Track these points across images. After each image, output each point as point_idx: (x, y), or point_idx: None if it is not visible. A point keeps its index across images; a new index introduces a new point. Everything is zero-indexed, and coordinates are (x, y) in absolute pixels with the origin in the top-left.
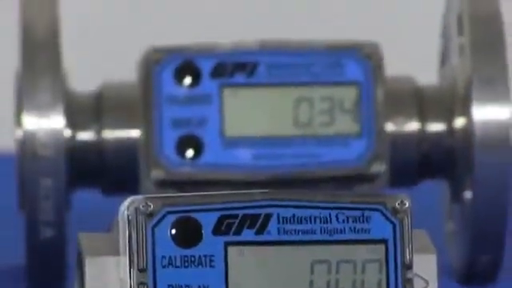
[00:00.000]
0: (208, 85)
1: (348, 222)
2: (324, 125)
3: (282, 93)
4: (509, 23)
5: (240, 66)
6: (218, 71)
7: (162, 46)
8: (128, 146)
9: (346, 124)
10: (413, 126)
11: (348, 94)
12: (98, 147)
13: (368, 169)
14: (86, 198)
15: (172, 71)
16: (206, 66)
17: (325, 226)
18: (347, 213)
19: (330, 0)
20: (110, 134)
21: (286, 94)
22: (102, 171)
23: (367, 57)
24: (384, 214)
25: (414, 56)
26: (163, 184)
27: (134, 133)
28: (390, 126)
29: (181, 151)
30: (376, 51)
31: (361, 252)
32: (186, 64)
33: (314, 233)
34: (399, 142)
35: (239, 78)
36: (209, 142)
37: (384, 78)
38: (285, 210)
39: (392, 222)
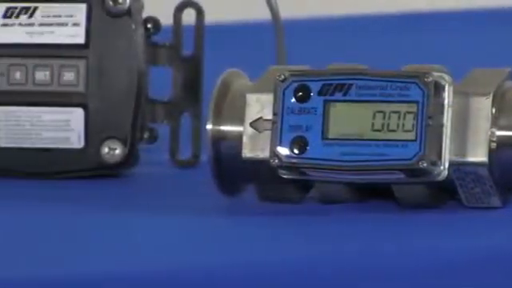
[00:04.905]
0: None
1: (396, 89)
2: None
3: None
4: None
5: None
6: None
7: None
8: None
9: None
10: None
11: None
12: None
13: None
14: None
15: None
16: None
17: (382, 91)
18: (396, 84)
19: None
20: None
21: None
22: None
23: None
24: (418, 85)
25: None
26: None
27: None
28: None
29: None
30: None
31: (403, 107)
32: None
33: (376, 96)
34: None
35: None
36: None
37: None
38: (361, 81)
39: (422, 90)
